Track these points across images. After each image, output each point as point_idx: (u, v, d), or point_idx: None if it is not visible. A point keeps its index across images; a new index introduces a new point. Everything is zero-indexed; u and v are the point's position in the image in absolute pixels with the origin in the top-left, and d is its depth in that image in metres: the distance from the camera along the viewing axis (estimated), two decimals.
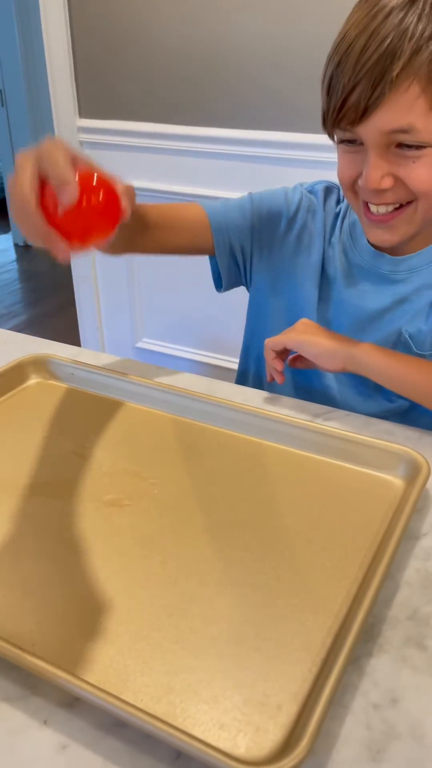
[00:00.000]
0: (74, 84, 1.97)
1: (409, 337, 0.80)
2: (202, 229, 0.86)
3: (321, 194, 0.87)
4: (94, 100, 1.98)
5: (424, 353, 0.80)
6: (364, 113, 0.62)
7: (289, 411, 0.76)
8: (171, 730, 0.40)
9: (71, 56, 1.93)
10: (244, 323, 0.98)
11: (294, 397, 0.81)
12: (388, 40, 0.59)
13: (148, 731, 0.40)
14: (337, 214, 0.86)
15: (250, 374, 0.98)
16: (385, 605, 0.52)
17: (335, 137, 0.70)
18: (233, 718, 0.43)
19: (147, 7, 1.76)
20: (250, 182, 1.67)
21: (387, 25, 0.59)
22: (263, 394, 0.81)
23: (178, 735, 0.40)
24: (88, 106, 2.00)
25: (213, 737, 0.41)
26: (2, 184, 4.37)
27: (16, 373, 0.81)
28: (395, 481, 0.65)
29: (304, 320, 0.80)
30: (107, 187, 0.53)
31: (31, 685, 0.45)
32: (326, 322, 0.86)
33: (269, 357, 0.80)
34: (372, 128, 0.63)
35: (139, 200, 1.77)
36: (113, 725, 0.43)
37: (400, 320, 0.81)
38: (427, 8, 0.59)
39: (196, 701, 0.44)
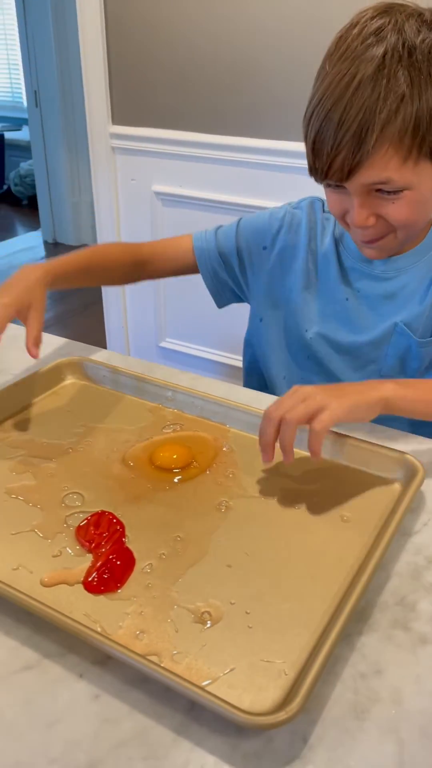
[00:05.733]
0: (108, 91, 2.05)
1: (405, 325, 0.88)
2: (190, 257, 1.01)
3: (306, 208, 0.96)
4: (127, 108, 2.06)
5: (423, 340, 0.88)
6: (348, 174, 0.71)
7: None
8: (188, 685, 0.48)
9: (106, 64, 2.01)
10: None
11: None
12: (361, 115, 0.67)
13: (169, 686, 0.48)
14: (325, 224, 0.94)
15: (254, 377, 1.08)
16: (377, 592, 0.59)
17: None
18: (239, 679, 0.51)
19: (181, 18, 1.83)
20: (278, 191, 1.75)
21: (359, 99, 0.67)
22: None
23: (193, 689, 0.47)
24: (121, 113, 2.08)
25: (222, 693, 0.49)
26: (32, 181, 4.49)
27: (54, 374, 0.89)
28: (394, 482, 0.72)
29: (300, 388, 0.71)
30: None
31: (68, 645, 0.53)
32: (318, 322, 0.93)
33: (290, 437, 0.69)
34: (355, 183, 0.73)
35: (168, 205, 1.89)
36: (139, 680, 0.50)
37: (393, 314, 0.89)
38: (392, 78, 0.67)
39: (209, 664, 0.52)
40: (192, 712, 0.49)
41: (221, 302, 1.07)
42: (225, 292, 1.04)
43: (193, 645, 0.53)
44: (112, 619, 0.55)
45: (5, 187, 5.12)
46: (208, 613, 0.56)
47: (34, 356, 0.78)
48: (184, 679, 0.48)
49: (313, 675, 0.48)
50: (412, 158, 0.70)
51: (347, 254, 0.91)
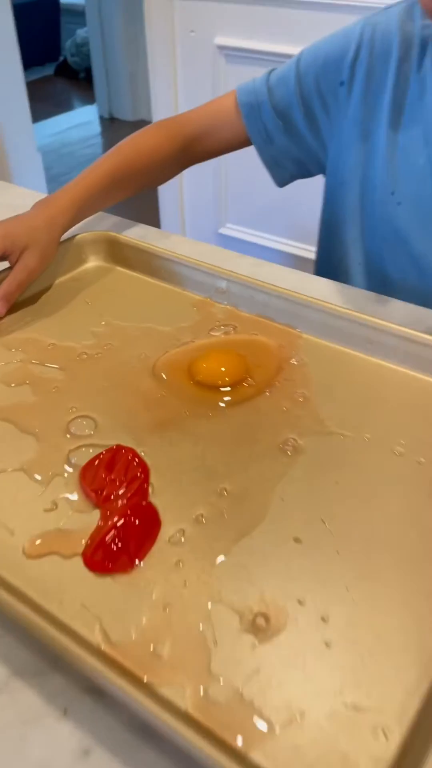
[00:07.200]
0: None
1: None
2: (238, 122, 0.76)
3: (400, 14, 0.67)
4: None
5: None
6: None
7: (401, 318, 0.60)
8: (229, 763, 0.29)
9: None
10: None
11: None
12: None
13: (197, 757, 0.30)
14: (426, 34, 0.66)
15: (332, 262, 0.82)
16: None
17: None
18: (310, 736, 0.32)
19: None
20: None
21: None
22: (370, 295, 0.65)
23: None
24: None
25: (283, 760, 0.30)
26: (88, 51, 4.11)
27: (73, 253, 0.68)
28: None
29: None
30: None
31: (50, 659, 0.35)
32: (408, 180, 0.68)
33: None
34: None
35: (233, 62, 1.54)
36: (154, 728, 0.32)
37: None
38: None
39: (264, 704, 0.33)
40: None
41: (281, 178, 0.82)
42: (285, 163, 0.79)
43: (240, 669, 0.34)
44: (120, 616, 0.37)
45: (61, 58, 4.74)
46: (264, 616, 0.37)
47: None
48: (225, 744, 0.30)
49: None
50: None
51: None
